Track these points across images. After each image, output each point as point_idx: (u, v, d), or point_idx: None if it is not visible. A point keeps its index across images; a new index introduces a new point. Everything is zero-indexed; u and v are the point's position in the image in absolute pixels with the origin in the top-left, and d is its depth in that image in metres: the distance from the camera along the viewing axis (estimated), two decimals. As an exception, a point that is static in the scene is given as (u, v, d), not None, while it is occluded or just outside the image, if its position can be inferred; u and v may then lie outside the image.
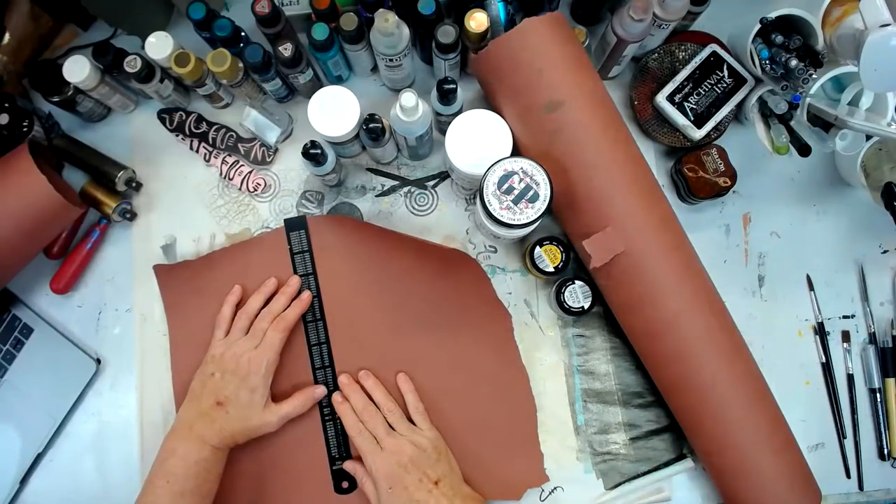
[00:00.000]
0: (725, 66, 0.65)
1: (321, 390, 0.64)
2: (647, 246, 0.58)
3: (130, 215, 0.69)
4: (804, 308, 0.70)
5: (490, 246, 0.70)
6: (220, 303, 0.65)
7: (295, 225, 0.68)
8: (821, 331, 0.69)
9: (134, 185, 0.69)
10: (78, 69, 0.62)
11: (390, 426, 0.61)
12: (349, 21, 0.60)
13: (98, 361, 0.67)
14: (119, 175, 0.67)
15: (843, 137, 0.65)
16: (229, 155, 0.70)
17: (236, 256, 0.68)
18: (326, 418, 0.65)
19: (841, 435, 0.68)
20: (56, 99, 0.65)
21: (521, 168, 0.56)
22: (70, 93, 0.65)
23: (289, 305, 0.65)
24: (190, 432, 0.58)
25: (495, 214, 0.55)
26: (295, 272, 0.67)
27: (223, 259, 0.68)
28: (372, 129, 0.60)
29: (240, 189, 0.70)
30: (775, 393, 0.61)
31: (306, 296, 0.66)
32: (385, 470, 0.58)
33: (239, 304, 0.65)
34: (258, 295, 0.65)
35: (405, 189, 0.70)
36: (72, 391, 0.66)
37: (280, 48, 0.60)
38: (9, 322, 0.67)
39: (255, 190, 0.70)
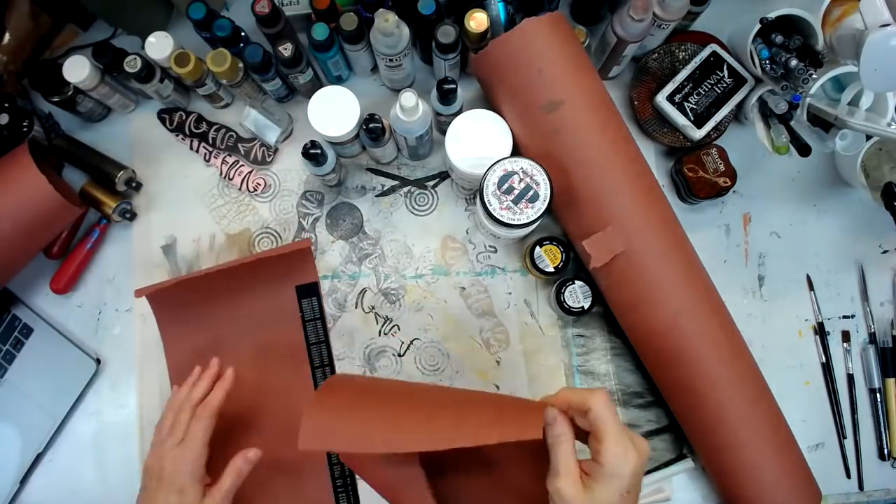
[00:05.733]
0: (725, 66, 0.65)
1: (254, 452, 0.56)
2: (647, 246, 0.58)
3: (130, 215, 0.69)
4: (804, 308, 0.70)
5: (490, 246, 0.70)
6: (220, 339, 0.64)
7: (306, 292, 0.67)
8: (821, 331, 0.69)
9: (134, 185, 0.69)
10: (78, 69, 0.62)
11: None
12: (349, 21, 0.60)
13: (98, 361, 0.67)
14: (119, 175, 0.67)
15: (843, 137, 0.65)
16: (229, 155, 0.70)
17: (241, 301, 0.66)
18: None
19: (841, 435, 0.68)
20: (56, 99, 0.65)
21: (521, 168, 0.56)
22: (70, 93, 0.65)
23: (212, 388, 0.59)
24: None
25: (495, 214, 0.55)
26: (306, 337, 0.67)
27: (225, 302, 0.65)
28: (372, 129, 0.60)
29: (240, 189, 0.70)
30: (775, 393, 0.61)
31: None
32: (639, 468, 0.43)
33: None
34: (184, 387, 0.60)
35: (405, 189, 0.70)
36: (72, 391, 0.66)
37: (280, 48, 0.60)
38: (9, 322, 0.67)
39: (255, 190, 0.70)
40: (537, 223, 0.57)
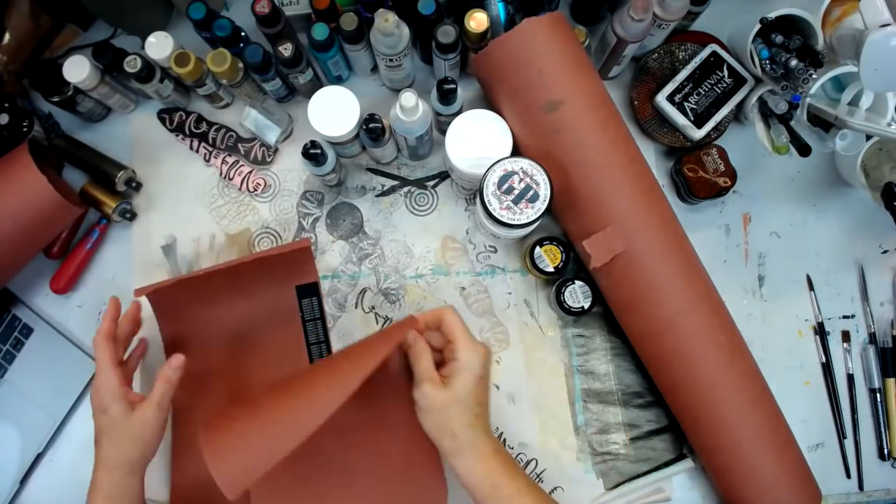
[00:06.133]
0: (725, 66, 0.65)
1: (176, 359, 0.57)
2: (647, 246, 0.58)
3: (130, 215, 0.69)
4: (804, 308, 0.70)
5: (490, 246, 0.70)
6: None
7: (306, 292, 0.67)
8: (821, 331, 0.69)
9: (134, 185, 0.69)
10: (78, 69, 0.62)
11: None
12: (349, 21, 0.60)
13: (98, 361, 0.67)
14: (119, 175, 0.67)
15: (843, 137, 0.65)
16: (229, 155, 0.70)
17: (239, 306, 0.66)
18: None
19: (841, 435, 0.68)
20: (56, 99, 0.65)
21: (521, 168, 0.56)
22: (70, 93, 0.65)
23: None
24: (108, 479, 0.55)
25: (495, 214, 0.55)
26: (306, 337, 0.67)
27: (224, 301, 0.66)
28: (372, 129, 0.60)
29: (240, 189, 0.70)
30: (775, 393, 0.61)
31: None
32: (486, 360, 0.53)
33: None
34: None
35: (405, 189, 0.70)
36: (72, 391, 0.66)
37: (280, 48, 0.60)
38: (9, 322, 0.67)
39: (255, 190, 0.70)
40: (537, 223, 0.57)
